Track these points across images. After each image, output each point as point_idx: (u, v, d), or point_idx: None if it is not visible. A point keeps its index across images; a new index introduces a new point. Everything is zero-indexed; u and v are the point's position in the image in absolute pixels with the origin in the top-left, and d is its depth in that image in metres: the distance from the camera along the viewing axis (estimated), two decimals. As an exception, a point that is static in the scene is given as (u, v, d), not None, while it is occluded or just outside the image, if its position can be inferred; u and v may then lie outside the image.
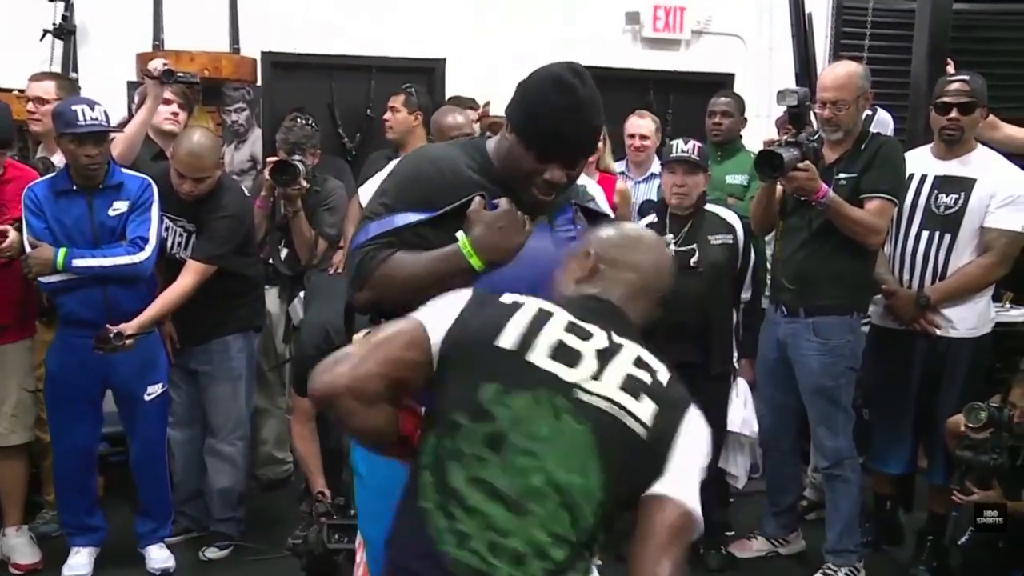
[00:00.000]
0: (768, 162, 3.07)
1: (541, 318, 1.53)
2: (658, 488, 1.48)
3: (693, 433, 1.54)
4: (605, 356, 1.52)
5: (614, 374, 1.51)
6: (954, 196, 3.30)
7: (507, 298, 1.57)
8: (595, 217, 2.00)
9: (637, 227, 1.74)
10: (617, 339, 1.56)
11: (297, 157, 3.77)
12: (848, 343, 3.26)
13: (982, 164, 3.32)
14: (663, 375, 1.57)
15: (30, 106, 3.62)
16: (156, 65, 3.61)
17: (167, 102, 3.75)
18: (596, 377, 1.49)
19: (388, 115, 4.22)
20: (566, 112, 1.75)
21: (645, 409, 1.49)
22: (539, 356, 1.49)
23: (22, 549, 3.44)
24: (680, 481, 1.50)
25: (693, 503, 1.50)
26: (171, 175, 3.35)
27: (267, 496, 4.13)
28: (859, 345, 3.35)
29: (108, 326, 3.14)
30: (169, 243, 3.43)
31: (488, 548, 1.41)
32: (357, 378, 1.50)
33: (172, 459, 3.63)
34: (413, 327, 1.55)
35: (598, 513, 1.45)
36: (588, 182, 3.31)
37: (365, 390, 1.50)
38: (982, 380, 3.41)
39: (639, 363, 1.55)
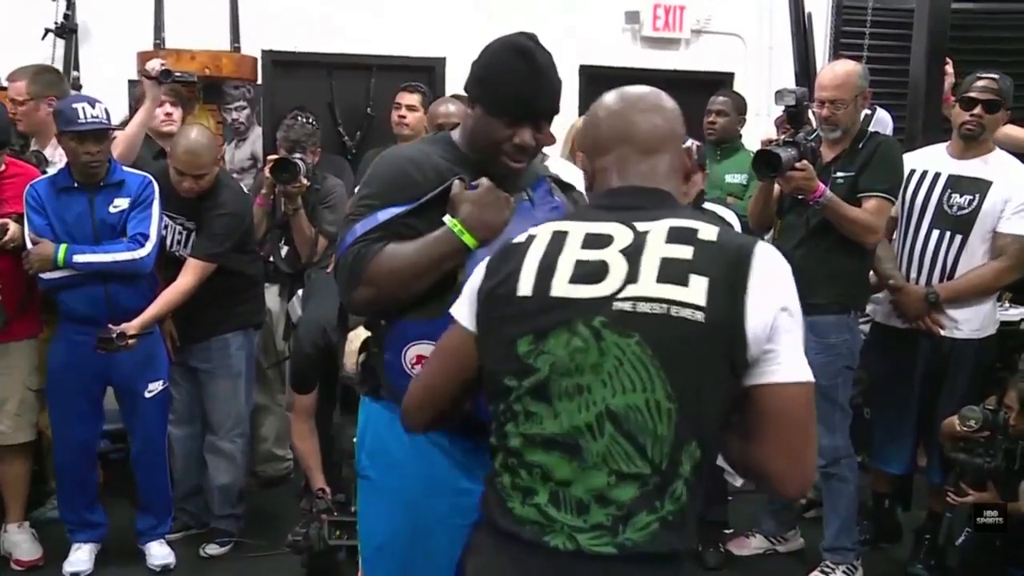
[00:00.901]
0: (766, 162, 3.08)
1: (556, 243, 1.43)
2: (760, 377, 1.34)
3: (766, 279, 1.35)
4: (633, 253, 1.38)
5: (648, 269, 1.35)
6: (968, 197, 3.28)
7: (521, 236, 1.48)
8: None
9: (607, 97, 1.55)
10: (643, 225, 1.41)
11: (298, 155, 3.77)
12: (845, 342, 3.27)
13: (999, 167, 3.31)
14: (708, 232, 1.39)
15: (9, 106, 3.63)
16: (153, 65, 3.63)
17: (160, 103, 3.76)
18: (630, 280, 1.35)
19: (404, 113, 4.16)
20: (528, 75, 1.80)
21: (695, 290, 1.32)
22: (560, 286, 1.39)
23: (24, 545, 3.45)
24: (781, 352, 1.35)
25: (800, 369, 1.36)
26: (170, 173, 3.36)
27: (267, 493, 4.15)
28: (856, 344, 3.35)
29: (110, 326, 3.15)
30: (168, 241, 3.44)
31: (550, 500, 1.36)
32: (433, 421, 1.60)
33: (172, 456, 3.64)
34: (453, 336, 1.52)
35: (675, 428, 1.31)
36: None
37: (453, 414, 1.59)
38: (984, 381, 3.41)
39: (674, 237, 1.38)
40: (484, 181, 1.82)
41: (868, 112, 3.69)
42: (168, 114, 3.83)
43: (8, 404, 3.36)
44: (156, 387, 3.38)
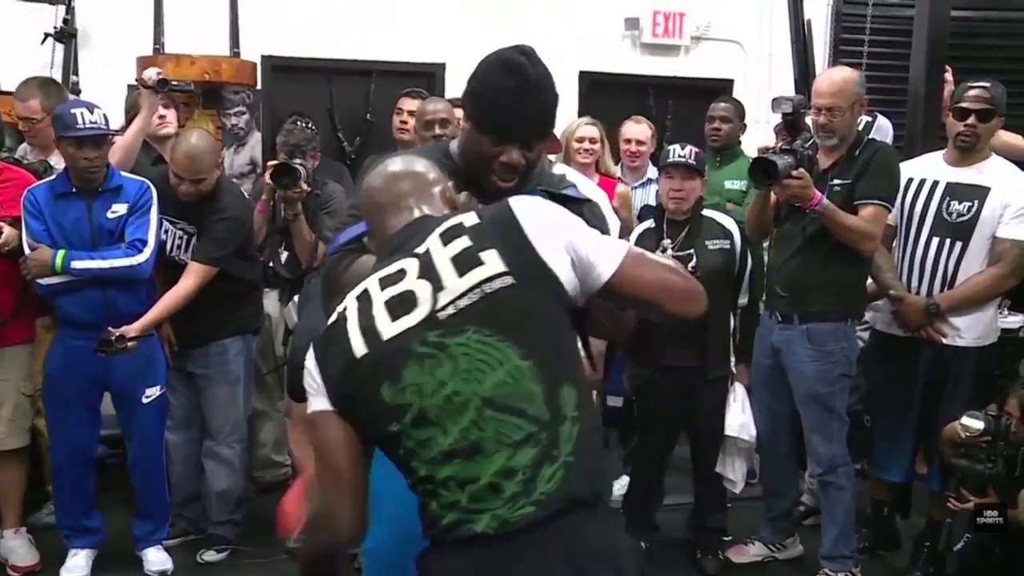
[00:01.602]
0: (762, 170, 3.08)
1: (363, 301, 1.53)
2: (596, 284, 1.51)
3: (536, 221, 1.51)
4: (426, 269, 1.50)
5: (445, 273, 1.48)
6: (967, 204, 3.29)
7: (332, 317, 1.57)
8: (571, 203, 1.97)
9: (367, 178, 1.72)
10: (421, 247, 1.53)
11: (298, 160, 3.77)
12: (842, 350, 3.26)
13: (996, 173, 3.31)
14: (469, 218, 1.53)
15: (22, 125, 3.62)
16: (150, 74, 3.63)
17: None
18: (438, 290, 1.47)
19: (406, 118, 4.13)
20: (516, 92, 1.75)
21: (491, 262, 1.47)
22: (386, 329, 1.48)
23: (20, 551, 3.44)
24: (594, 261, 1.50)
25: (615, 250, 1.53)
26: (169, 177, 3.36)
27: (265, 499, 4.13)
28: (853, 352, 3.35)
29: (110, 329, 3.15)
30: (168, 245, 3.44)
31: (470, 500, 1.43)
32: (349, 525, 1.56)
33: (170, 462, 3.63)
34: (323, 423, 1.54)
35: (540, 379, 1.44)
36: (588, 184, 3.33)
37: (358, 511, 1.56)
38: (986, 389, 3.40)
39: (448, 237, 1.51)
40: (462, 196, 1.78)
41: (868, 119, 3.69)
42: (162, 116, 3.83)
43: (2, 410, 3.35)
44: (154, 392, 3.37)
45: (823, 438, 3.32)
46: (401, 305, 1.49)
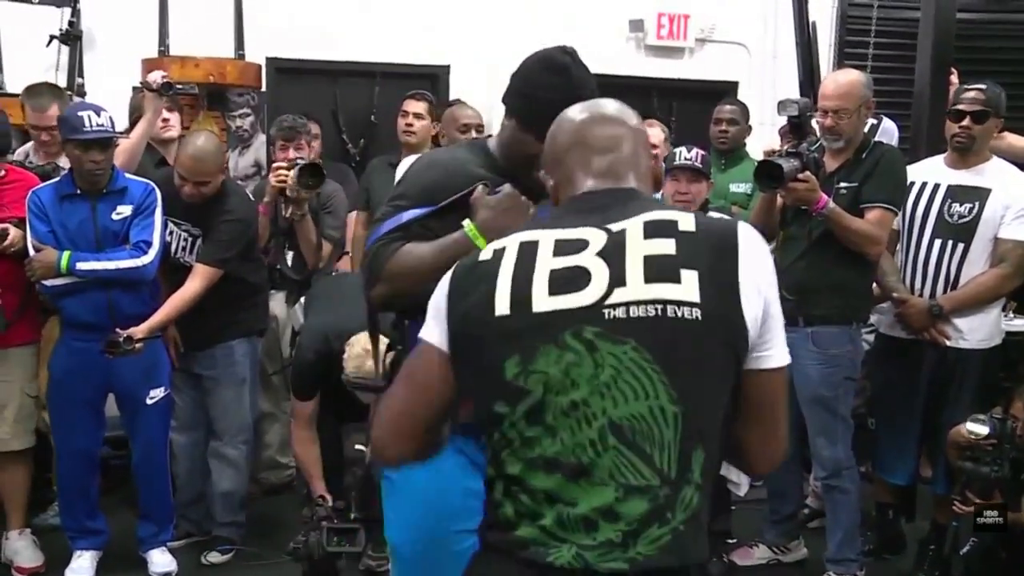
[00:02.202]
0: (767, 173, 3.07)
1: (527, 255, 1.35)
2: (756, 363, 1.34)
3: (754, 263, 1.33)
4: (612, 255, 1.31)
5: (633, 269, 1.30)
6: (968, 205, 3.29)
7: (487, 252, 1.40)
8: None
9: (566, 112, 1.53)
10: (615, 225, 1.35)
11: (299, 158, 3.77)
12: (847, 353, 3.25)
13: (997, 175, 3.32)
14: (686, 221, 1.34)
15: (44, 136, 3.61)
16: (155, 77, 3.63)
17: None
18: (617, 283, 1.29)
19: (411, 121, 4.15)
20: (561, 89, 1.79)
21: (687, 285, 1.28)
22: (541, 300, 1.31)
23: (25, 552, 3.45)
24: (773, 338, 1.35)
25: (785, 352, 1.38)
26: (174, 178, 3.36)
27: (269, 500, 4.14)
28: (858, 355, 3.34)
29: (118, 330, 3.15)
30: (173, 248, 3.44)
31: (556, 522, 1.28)
32: (412, 452, 1.47)
33: (175, 463, 3.64)
34: (426, 359, 1.42)
35: (682, 433, 1.27)
36: None
37: (424, 449, 1.47)
38: (990, 392, 3.40)
39: (653, 232, 1.32)
40: (506, 187, 1.83)
41: (874, 122, 3.68)
42: (165, 120, 3.83)
43: (7, 410, 3.35)
44: (158, 394, 3.38)
45: (827, 441, 3.31)
46: (568, 281, 1.31)
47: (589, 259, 1.32)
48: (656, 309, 1.28)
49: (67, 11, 4.45)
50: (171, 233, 3.43)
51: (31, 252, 3.17)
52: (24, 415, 3.40)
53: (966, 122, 3.27)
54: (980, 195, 3.28)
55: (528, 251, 1.35)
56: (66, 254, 3.13)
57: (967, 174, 3.33)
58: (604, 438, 1.27)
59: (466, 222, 1.81)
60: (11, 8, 4.52)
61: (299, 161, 3.71)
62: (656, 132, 4.44)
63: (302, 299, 3.79)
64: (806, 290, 3.24)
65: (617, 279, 1.30)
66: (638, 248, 1.31)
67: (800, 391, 3.32)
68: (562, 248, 1.34)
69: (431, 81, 5.21)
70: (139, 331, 3.18)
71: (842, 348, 3.24)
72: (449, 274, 1.42)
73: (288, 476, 4.26)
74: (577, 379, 1.28)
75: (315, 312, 3.42)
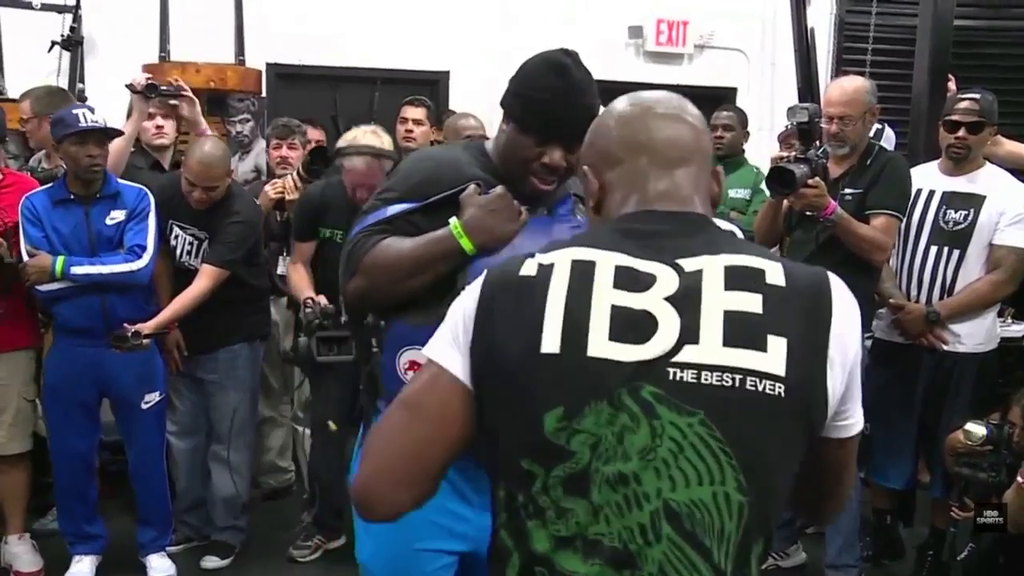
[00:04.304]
0: (779, 179, 3.07)
1: (582, 280, 1.11)
2: (832, 432, 1.16)
3: (845, 329, 1.13)
4: (684, 302, 1.09)
5: (710, 326, 1.08)
6: (963, 212, 3.31)
7: (529, 266, 1.14)
8: None
9: (620, 101, 1.28)
10: (689, 263, 1.12)
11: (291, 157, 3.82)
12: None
13: (991, 181, 3.33)
14: (774, 272, 1.12)
15: (28, 126, 3.64)
16: (139, 80, 3.63)
17: (149, 116, 3.75)
18: (688, 339, 1.07)
19: (411, 127, 4.16)
20: (561, 92, 1.74)
21: (773, 355, 1.07)
22: (599, 342, 1.08)
23: (24, 557, 3.43)
24: (853, 406, 1.16)
25: (861, 416, 1.20)
26: (182, 184, 3.37)
27: (268, 504, 4.14)
28: (863, 361, 3.33)
29: (126, 325, 3.16)
30: (178, 252, 3.45)
31: None
32: (413, 502, 1.21)
33: (176, 468, 3.64)
34: (442, 385, 1.17)
35: (746, 523, 1.07)
36: None
37: (424, 499, 1.21)
38: (987, 396, 3.41)
39: (736, 282, 1.10)
40: (498, 188, 1.77)
41: (878, 127, 3.69)
42: (159, 127, 3.81)
43: (4, 415, 3.34)
44: (153, 398, 3.37)
45: (828, 447, 3.31)
46: (630, 324, 1.09)
47: (656, 303, 1.10)
48: (734, 379, 1.06)
49: (68, 17, 4.47)
50: (176, 237, 3.44)
51: (25, 257, 3.17)
52: (21, 419, 3.39)
53: (961, 133, 3.28)
54: (975, 201, 3.30)
55: (583, 274, 1.12)
56: (60, 259, 3.12)
57: (962, 181, 3.35)
58: (658, 525, 1.06)
59: (453, 219, 1.74)
60: (13, 14, 4.55)
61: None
62: None
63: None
64: None
65: (689, 334, 1.08)
66: (717, 300, 1.09)
67: (803, 396, 3.32)
68: (625, 280, 1.11)
69: (431, 87, 5.23)
70: (146, 327, 3.19)
71: None
72: (479, 283, 1.18)
73: (287, 480, 4.27)
74: (631, 449, 1.07)
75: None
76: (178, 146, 4.00)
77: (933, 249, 3.36)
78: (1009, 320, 4.21)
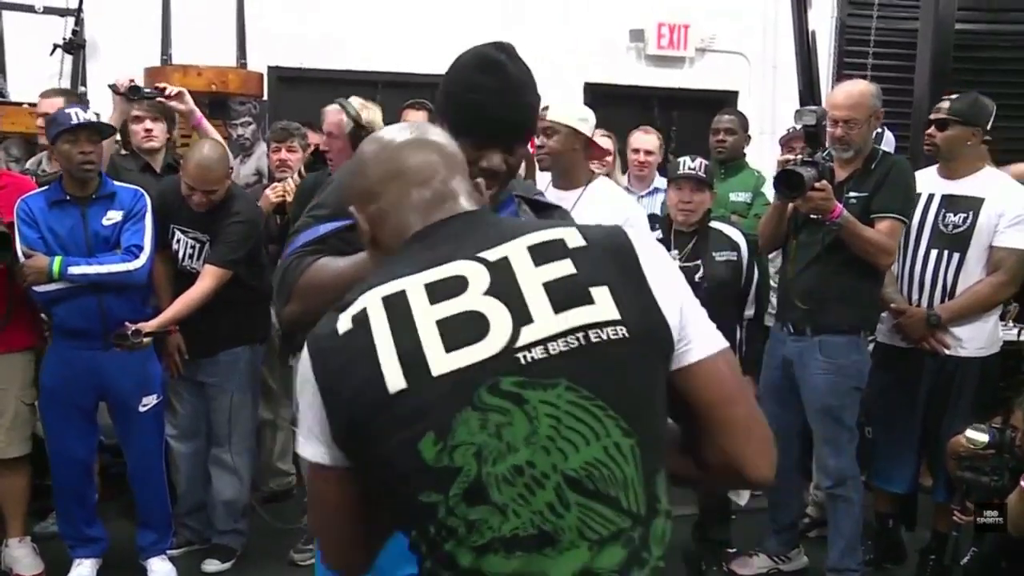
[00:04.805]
0: (787, 182, 3.07)
1: (398, 310, 1.14)
2: (681, 360, 1.19)
3: (657, 261, 1.20)
4: (504, 290, 1.13)
5: (535, 302, 1.12)
6: (962, 215, 3.32)
7: (344, 322, 1.16)
8: (543, 209, 1.87)
9: (366, 143, 1.35)
10: (491, 253, 1.16)
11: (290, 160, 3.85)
12: (855, 363, 3.25)
13: (989, 183, 3.35)
14: (573, 236, 1.18)
15: (39, 122, 3.65)
16: (123, 81, 3.63)
17: (138, 120, 3.74)
18: (523, 321, 1.11)
19: None
20: (495, 92, 1.61)
21: (601, 303, 1.13)
22: (438, 359, 1.11)
23: (25, 560, 3.43)
24: (693, 330, 1.19)
25: (715, 337, 1.22)
26: (182, 187, 3.37)
27: (269, 507, 4.13)
28: (866, 365, 3.34)
29: (127, 323, 3.16)
30: (181, 255, 3.45)
31: None
32: (372, 557, 1.28)
33: (176, 472, 3.63)
34: (322, 479, 1.21)
35: (641, 464, 1.12)
36: (629, 200, 3.33)
37: (379, 550, 1.29)
38: (989, 400, 3.41)
39: (542, 256, 1.15)
40: None
41: (879, 131, 3.70)
42: (148, 130, 3.78)
43: (3, 418, 3.34)
44: (150, 401, 3.36)
45: (833, 450, 3.31)
46: (463, 329, 1.12)
47: (478, 300, 1.13)
48: (578, 339, 1.11)
49: (71, 20, 4.47)
50: (178, 241, 3.44)
51: (21, 259, 3.17)
52: (20, 423, 3.39)
53: (931, 130, 3.36)
54: (974, 204, 3.31)
55: (398, 305, 1.14)
56: (58, 259, 3.12)
57: (960, 184, 3.36)
58: (563, 497, 1.10)
59: None
60: (16, 17, 4.55)
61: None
62: (651, 139, 4.48)
63: None
64: (816, 298, 3.24)
65: (521, 317, 1.12)
66: (532, 277, 1.14)
67: (807, 400, 3.32)
68: (438, 292, 1.14)
69: (432, 90, 5.20)
70: (148, 326, 3.19)
71: (850, 358, 3.24)
72: (306, 362, 1.18)
73: (288, 483, 4.26)
74: (514, 440, 1.09)
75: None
76: (179, 146, 4.00)
77: (933, 253, 3.36)
78: (1010, 323, 4.21)
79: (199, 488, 3.67)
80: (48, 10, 4.51)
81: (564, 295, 1.13)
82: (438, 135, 1.34)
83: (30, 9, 4.51)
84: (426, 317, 1.13)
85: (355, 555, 1.26)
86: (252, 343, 3.62)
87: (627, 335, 1.12)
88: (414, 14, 5.28)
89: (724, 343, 1.23)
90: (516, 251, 1.16)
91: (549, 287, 1.13)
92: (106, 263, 3.17)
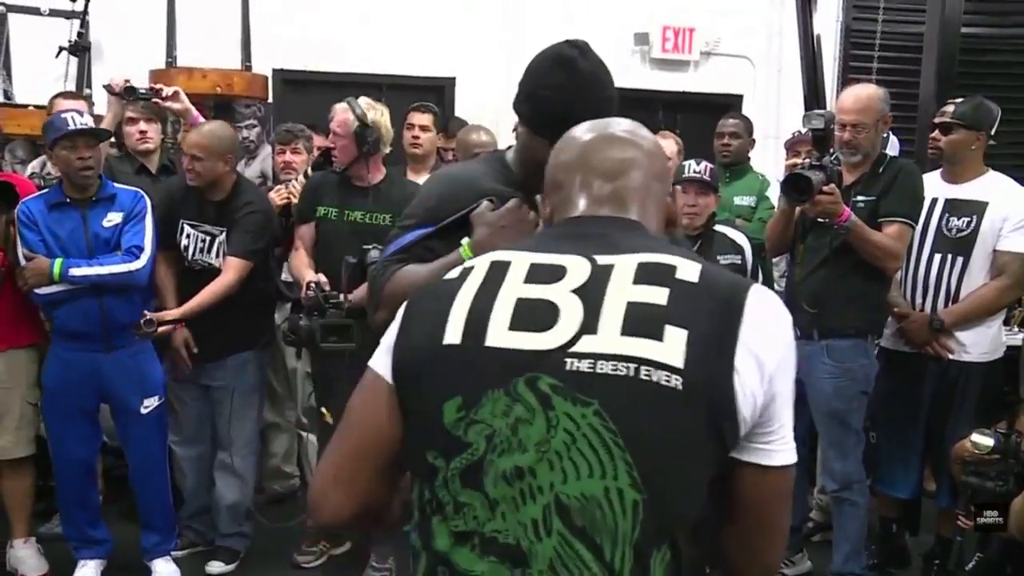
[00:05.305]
0: (795, 185, 3.07)
1: (494, 277, 1.14)
2: (751, 455, 1.10)
3: (761, 331, 1.08)
4: (591, 293, 1.09)
5: (610, 315, 1.07)
6: (966, 219, 3.32)
7: (454, 271, 1.20)
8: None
9: (574, 129, 1.32)
10: (605, 258, 1.12)
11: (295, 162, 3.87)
12: (862, 367, 3.25)
13: (993, 187, 3.35)
14: (688, 270, 1.10)
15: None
16: (117, 81, 3.63)
17: (132, 121, 3.75)
18: (587, 330, 1.07)
19: (418, 133, 4.15)
20: (570, 88, 1.65)
21: (670, 345, 1.04)
22: (498, 333, 1.09)
23: (29, 561, 3.44)
24: (778, 429, 1.10)
25: (793, 449, 1.12)
26: (184, 161, 3.37)
27: (273, 509, 4.13)
28: (872, 369, 3.33)
29: (144, 312, 3.17)
30: (190, 251, 3.43)
31: None
32: (354, 505, 1.21)
33: (181, 475, 3.63)
34: (371, 387, 1.20)
35: (641, 526, 1.03)
36: None
37: (366, 510, 1.23)
38: (992, 405, 3.40)
39: (645, 276, 1.09)
40: (511, 202, 1.69)
41: (884, 135, 3.70)
42: (143, 132, 3.78)
43: (7, 419, 3.35)
44: (152, 403, 3.36)
45: (839, 454, 3.31)
46: (534, 314, 1.09)
47: (561, 293, 1.10)
48: (628, 368, 1.04)
49: (76, 23, 4.48)
50: (188, 236, 3.42)
51: (22, 262, 3.17)
52: (25, 423, 3.39)
53: (935, 134, 3.37)
54: (977, 208, 3.31)
55: (497, 272, 1.15)
56: (58, 261, 3.12)
57: (964, 188, 3.36)
58: (549, 519, 1.04)
59: (464, 240, 1.69)
60: (22, 20, 4.56)
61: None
62: (669, 144, 4.46)
63: None
64: (823, 301, 3.23)
65: (590, 324, 1.07)
66: (623, 291, 1.08)
67: (814, 404, 3.31)
68: (536, 274, 1.13)
69: (436, 93, 5.24)
70: (171, 314, 3.20)
71: (857, 362, 3.23)
72: (413, 294, 1.25)
73: (292, 485, 4.27)
74: (525, 440, 1.06)
75: None
76: (173, 149, 3.99)
77: (937, 257, 3.36)
78: (1015, 328, 4.20)
79: (204, 492, 3.67)
80: (54, 12, 4.52)
81: (638, 321, 1.06)
82: (645, 134, 1.29)
83: (36, 12, 4.52)
84: (512, 291, 1.13)
85: (339, 491, 1.20)
86: (259, 347, 3.62)
87: (680, 389, 1.03)
88: (419, 17, 5.29)
89: (794, 458, 1.14)
90: (626, 263, 1.12)
91: (631, 307, 1.07)
92: (107, 264, 3.18)
